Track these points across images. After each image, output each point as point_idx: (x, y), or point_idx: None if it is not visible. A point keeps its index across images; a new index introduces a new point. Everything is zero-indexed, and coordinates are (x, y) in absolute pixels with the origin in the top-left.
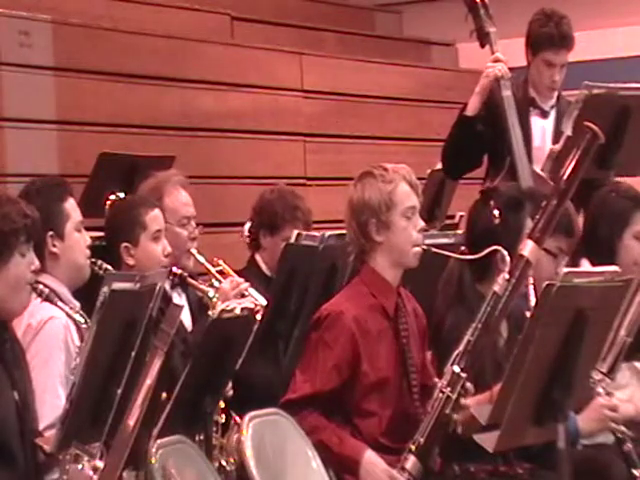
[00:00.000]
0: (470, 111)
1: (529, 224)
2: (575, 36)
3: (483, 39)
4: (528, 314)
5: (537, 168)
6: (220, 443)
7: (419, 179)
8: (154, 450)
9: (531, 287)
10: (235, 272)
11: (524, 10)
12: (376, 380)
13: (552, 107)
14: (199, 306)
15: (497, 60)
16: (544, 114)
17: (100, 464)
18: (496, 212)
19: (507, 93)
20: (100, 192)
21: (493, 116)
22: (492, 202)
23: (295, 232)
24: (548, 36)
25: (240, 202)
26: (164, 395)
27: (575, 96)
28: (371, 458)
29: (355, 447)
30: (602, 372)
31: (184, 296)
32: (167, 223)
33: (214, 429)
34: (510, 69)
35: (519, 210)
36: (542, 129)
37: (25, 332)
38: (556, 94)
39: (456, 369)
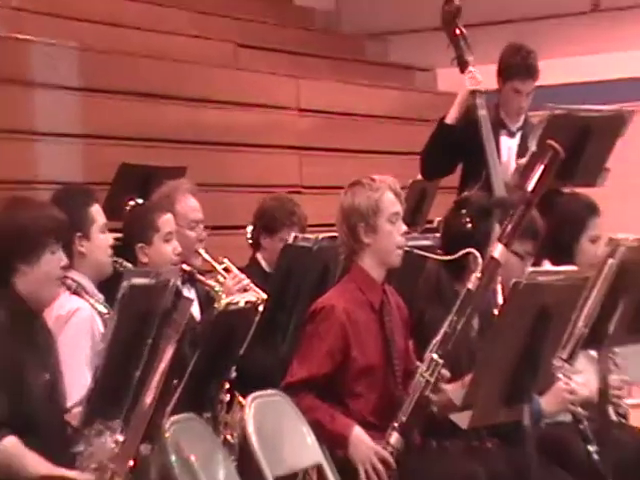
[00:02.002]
0: (449, 119)
1: (497, 229)
2: (541, 63)
3: (463, 66)
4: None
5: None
6: (225, 420)
7: (402, 188)
8: (167, 426)
9: (499, 285)
10: (238, 269)
11: (498, 40)
12: (364, 366)
13: (519, 128)
14: (206, 299)
15: (474, 79)
16: (511, 134)
17: (120, 438)
18: (468, 219)
19: (483, 112)
20: (120, 198)
21: (471, 132)
22: (464, 210)
23: (292, 235)
24: (517, 67)
25: (243, 208)
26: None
27: (539, 116)
28: (359, 434)
29: (345, 425)
30: (562, 359)
31: (193, 290)
32: (178, 226)
33: (220, 408)
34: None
35: (488, 217)
36: (509, 148)
37: (55, 321)
38: (523, 117)
39: (434, 356)
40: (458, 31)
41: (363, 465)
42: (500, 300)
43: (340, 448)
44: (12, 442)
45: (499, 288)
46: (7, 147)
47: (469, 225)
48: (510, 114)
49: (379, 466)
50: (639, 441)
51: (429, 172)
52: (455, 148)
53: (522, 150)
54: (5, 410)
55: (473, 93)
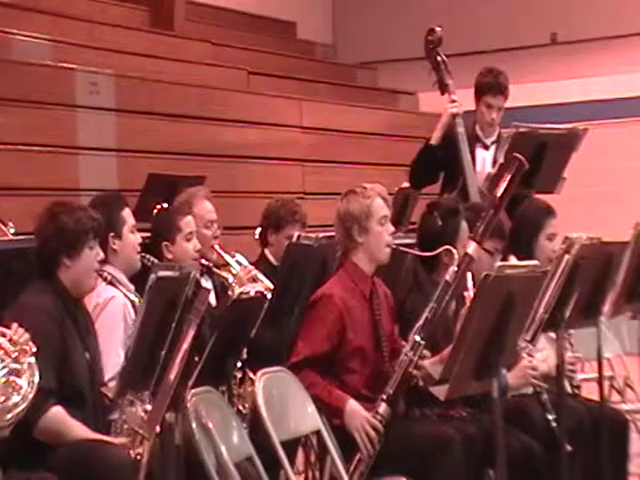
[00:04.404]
0: (433, 140)
1: (464, 227)
2: (512, 87)
3: (443, 89)
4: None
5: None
6: (238, 393)
7: (389, 195)
8: (189, 397)
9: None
10: (249, 263)
11: (472, 68)
12: (357, 346)
13: (493, 142)
14: (222, 289)
15: (453, 101)
16: (486, 147)
17: (149, 407)
18: (438, 219)
19: (461, 129)
20: (149, 203)
21: (450, 147)
22: (435, 211)
23: (296, 233)
24: (489, 85)
25: (253, 211)
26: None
27: (507, 133)
28: (353, 406)
29: (341, 398)
30: (526, 340)
31: (210, 281)
32: (196, 226)
33: (234, 382)
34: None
35: (456, 217)
36: (483, 159)
37: (94, 308)
38: (497, 132)
39: (417, 338)
40: (439, 58)
41: (357, 432)
42: (471, 285)
43: (337, 417)
44: (59, 411)
45: (469, 276)
46: (53, 160)
47: (439, 224)
48: (484, 127)
49: (371, 432)
50: (589, 410)
51: (417, 183)
52: (438, 162)
53: (495, 163)
54: (53, 384)
55: (453, 116)
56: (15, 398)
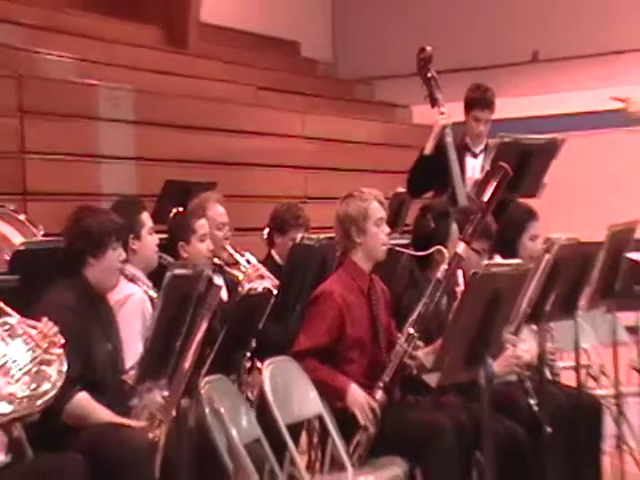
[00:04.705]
0: (427, 150)
1: (455, 229)
2: (497, 100)
3: (433, 102)
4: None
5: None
6: (247, 380)
7: (385, 198)
8: (202, 385)
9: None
10: (257, 262)
11: (461, 83)
12: (356, 338)
13: (481, 151)
14: (232, 285)
15: (442, 113)
16: (475, 156)
17: (165, 394)
18: (431, 221)
19: (449, 140)
20: (165, 207)
21: (442, 155)
22: (428, 214)
23: (299, 235)
24: (477, 100)
25: (260, 214)
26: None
27: (493, 142)
28: (354, 388)
29: (344, 381)
30: (510, 332)
31: (222, 278)
32: (209, 228)
33: (243, 371)
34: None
35: (446, 219)
36: (473, 167)
37: (115, 303)
38: (485, 142)
39: (411, 331)
40: (430, 74)
41: (359, 410)
42: (461, 281)
43: (340, 400)
44: (84, 396)
45: (460, 274)
46: (78, 167)
47: (432, 226)
48: (472, 138)
49: (372, 410)
50: (568, 395)
51: (414, 191)
52: (432, 170)
53: (483, 170)
54: (78, 372)
55: (443, 127)
56: (45, 386)
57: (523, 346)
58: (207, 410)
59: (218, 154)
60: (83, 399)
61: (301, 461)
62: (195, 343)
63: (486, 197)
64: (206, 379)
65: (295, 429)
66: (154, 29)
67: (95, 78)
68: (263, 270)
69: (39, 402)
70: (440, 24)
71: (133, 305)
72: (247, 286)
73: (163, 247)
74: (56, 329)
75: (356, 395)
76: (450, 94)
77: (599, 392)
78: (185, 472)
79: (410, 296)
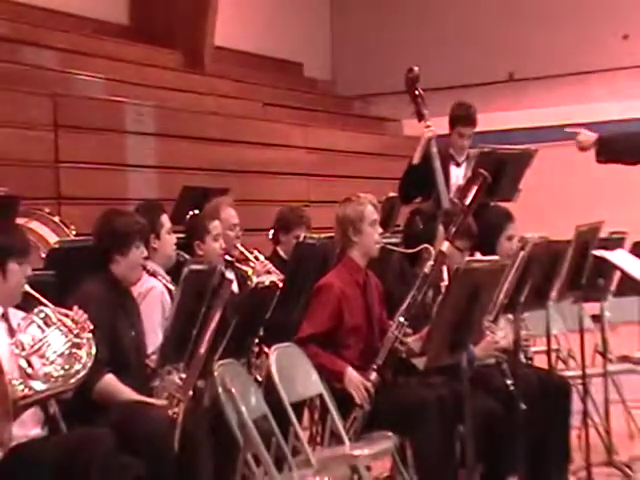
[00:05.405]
0: (415, 160)
1: (441, 229)
2: (478, 115)
3: (420, 117)
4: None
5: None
6: (256, 364)
7: (378, 202)
8: (216, 368)
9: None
10: (265, 258)
11: (445, 100)
12: (353, 326)
13: (464, 160)
14: (242, 279)
15: (428, 127)
16: (458, 165)
17: (183, 376)
18: (419, 222)
19: (434, 150)
20: (183, 210)
21: (427, 164)
22: (417, 216)
23: (302, 234)
24: (461, 117)
25: (267, 216)
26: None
27: (473, 152)
28: (351, 371)
29: (341, 365)
30: (489, 320)
31: (233, 273)
32: (222, 228)
33: (252, 355)
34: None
35: (433, 221)
36: (457, 176)
37: (138, 295)
38: (467, 152)
39: (401, 319)
40: (417, 92)
41: (355, 390)
42: (446, 277)
43: (338, 381)
44: (111, 378)
45: (445, 270)
46: (106, 175)
47: (420, 227)
48: (457, 150)
49: (366, 391)
50: (540, 376)
51: (405, 198)
52: (420, 178)
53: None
54: (106, 356)
55: (429, 139)
56: (77, 366)
57: (500, 333)
58: (220, 390)
59: (230, 163)
60: (111, 380)
61: (304, 435)
62: (209, 331)
63: (468, 201)
64: (219, 363)
65: (298, 407)
66: (175, 53)
67: (122, 96)
68: (270, 266)
69: (72, 380)
70: (428, 48)
71: (154, 297)
72: (256, 280)
73: (181, 245)
74: (85, 316)
75: (352, 377)
76: (435, 109)
77: (567, 373)
78: (201, 445)
79: (400, 289)
